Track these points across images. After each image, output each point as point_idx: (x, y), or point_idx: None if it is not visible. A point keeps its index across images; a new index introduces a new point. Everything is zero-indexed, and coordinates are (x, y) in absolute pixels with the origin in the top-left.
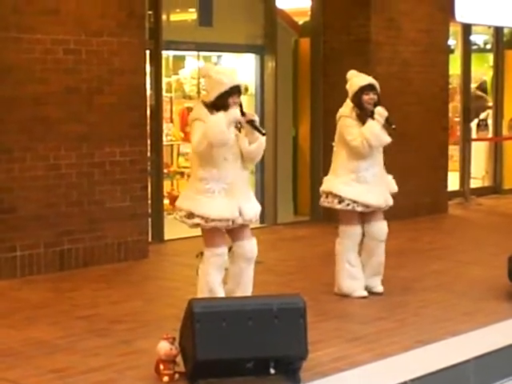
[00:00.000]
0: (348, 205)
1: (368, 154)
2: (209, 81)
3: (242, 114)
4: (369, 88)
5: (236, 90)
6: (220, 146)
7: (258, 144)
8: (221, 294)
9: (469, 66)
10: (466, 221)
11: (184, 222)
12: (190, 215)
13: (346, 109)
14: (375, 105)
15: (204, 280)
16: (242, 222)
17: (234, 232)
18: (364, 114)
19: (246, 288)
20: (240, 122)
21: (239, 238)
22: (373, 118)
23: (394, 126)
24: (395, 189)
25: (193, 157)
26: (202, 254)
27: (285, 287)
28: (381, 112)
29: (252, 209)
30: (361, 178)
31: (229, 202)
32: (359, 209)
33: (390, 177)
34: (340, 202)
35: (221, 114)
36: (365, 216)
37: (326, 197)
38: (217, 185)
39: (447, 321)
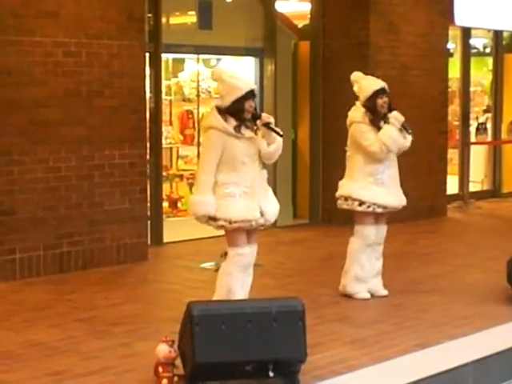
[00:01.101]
0: (369, 207)
1: (386, 158)
2: (223, 85)
3: (258, 116)
4: (382, 92)
5: (251, 95)
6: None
7: (277, 145)
8: (240, 295)
9: (468, 70)
10: (465, 224)
11: (209, 224)
12: (214, 218)
13: (358, 113)
14: (389, 108)
15: (225, 279)
16: (263, 222)
17: (248, 234)
18: (377, 119)
19: (244, 292)
20: (256, 125)
21: (248, 242)
22: (386, 121)
23: (410, 131)
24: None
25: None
26: (225, 253)
27: (284, 290)
28: (397, 116)
29: (272, 209)
30: (379, 181)
31: (250, 204)
32: (379, 210)
33: None
34: (360, 205)
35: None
36: (376, 218)
37: (345, 200)
38: (237, 189)
39: (446, 324)
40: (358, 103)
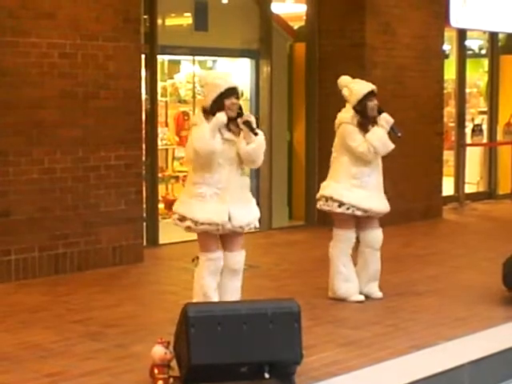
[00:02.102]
0: (348, 208)
1: (372, 160)
2: (206, 87)
3: (239, 115)
4: (372, 94)
5: (232, 92)
6: (205, 155)
7: (256, 145)
8: (215, 298)
9: (464, 71)
10: (461, 226)
11: (177, 224)
12: (183, 218)
13: (347, 115)
14: (379, 111)
15: (199, 284)
16: (231, 227)
17: (225, 240)
18: (367, 122)
19: (231, 298)
20: (237, 125)
21: (228, 248)
22: (374, 124)
23: (399, 134)
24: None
25: (188, 161)
26: (197, 258)
27: (279, 292)
28: (387, 119)
29: (244, 216)
30: (363, 184)
31: (219, 207)
32: (358, 213)
33: None
34: (340, 206)
35: (205, 124)
36: (361, 223)
37: (326, 201)
38: (209, 189)
39: (441, 326)
40: (347, 104)
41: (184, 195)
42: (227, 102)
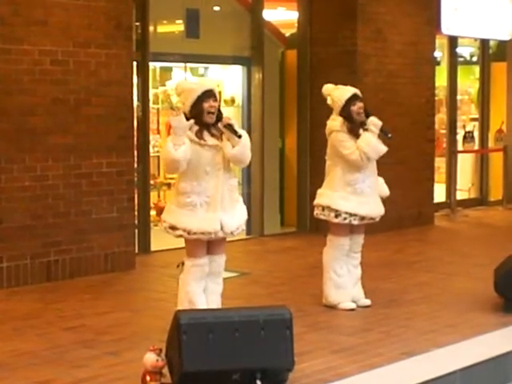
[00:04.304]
0: (345, 219)
1: (366, 166)
2: (183, 94)
3: (219, 119)
4: (354, 98)
5: (209, 95)
6: (171, 165)
7: (241, 146)
8: (201, 304)
9: (455, 78)
10: (452, 232)
11: (169, 232)
12: (174, 227)
13: (336, 122)
14: (366, 114)
15: (184, 290)
16: (223, 235)
17: (211, 244)
18: (356, 127)
19: (212, 302)
20: (219, 129)
21: (213, 252)
22: (365, 129)
23: (390, 135)
24: (387, 192)
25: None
26: (182, 264)
27: (271, 298)
28: (375, 122)
29: (234, 222)
30: (358, 190)
31: (210, 216)
32: (355, 222)
33: (381, 180)
34: (337, 216)
35: (168, 139)
36: (352, 229)
37: (323, 210)
38: (198, 198)
39: (433, 332)
40: (334, 114)
41: (172, 205)
42: (206, 105)
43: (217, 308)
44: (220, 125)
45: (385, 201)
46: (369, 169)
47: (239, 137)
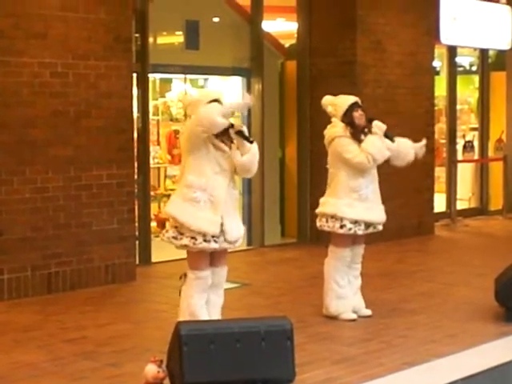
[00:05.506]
0: (350, 229)
1: (370, 170)
2: (190, 107)
3: (231, 125)
4: (356, 105)
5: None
6: (209, 128)
7: (251, 155)
8: (203, 316)
9: (454, 88)
10: (453, 242)
11: (171, 242)
12: (178, 236)
13: (338, 128)
14: (369, 120)
15: (186, 302)
16: (224, 240)
17: (214, 255)
18: (357, 132)
19: (213, 314)
20: (229, 137)
21: (215, 264)
22: (367, 134)
23: (394, 139)
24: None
25: (184, 162)
26: (185, 275)
27: (272, 309)
28: (379, 125)
29: (236, 230)
30: (362, 196)
31: (212, 217)
32: (360, 232)
33: (410, 142)
34: (342, 227)
35: (216, 103)
36: (355, 238)
37: (326, 221)
38: (203, 195)
39: (433, 342)
40: (334, 119)
41: (177, 197)
42: None
43: (217, 319)
44: (231, 131)
45: (385, 211)
46: (371, 175)
47: (251, 142)
